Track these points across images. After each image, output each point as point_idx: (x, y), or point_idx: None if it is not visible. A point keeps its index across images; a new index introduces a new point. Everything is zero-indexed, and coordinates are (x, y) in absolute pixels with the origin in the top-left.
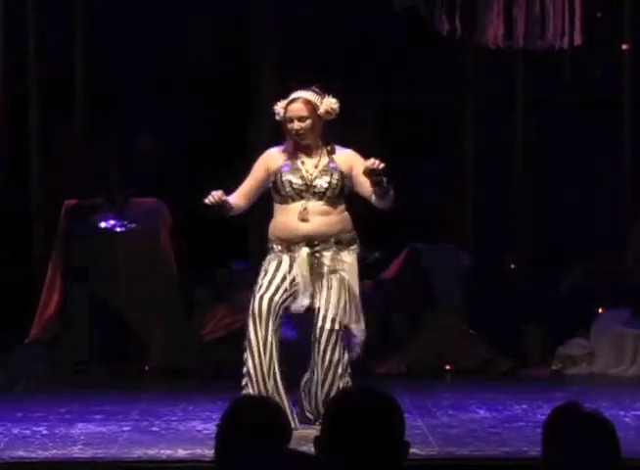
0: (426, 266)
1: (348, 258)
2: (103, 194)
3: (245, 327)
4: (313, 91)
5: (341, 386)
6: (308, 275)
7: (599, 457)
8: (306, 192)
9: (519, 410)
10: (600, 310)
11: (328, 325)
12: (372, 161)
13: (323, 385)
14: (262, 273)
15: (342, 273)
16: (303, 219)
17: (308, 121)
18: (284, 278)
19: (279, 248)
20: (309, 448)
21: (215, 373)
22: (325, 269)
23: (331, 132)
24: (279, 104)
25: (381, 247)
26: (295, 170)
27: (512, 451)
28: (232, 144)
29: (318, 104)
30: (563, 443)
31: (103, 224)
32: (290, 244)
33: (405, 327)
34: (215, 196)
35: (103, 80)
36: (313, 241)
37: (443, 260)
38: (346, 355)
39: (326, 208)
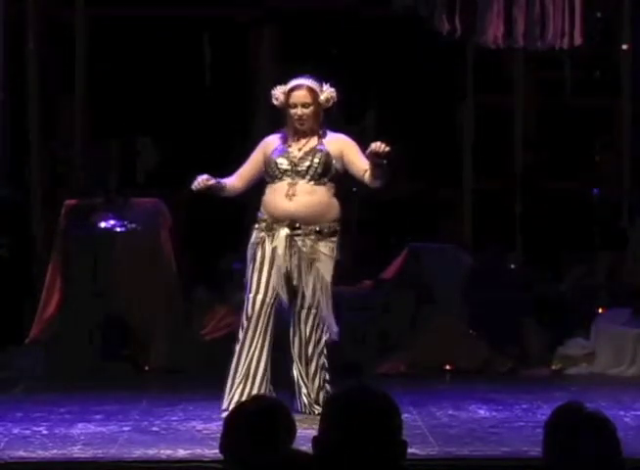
0: (426, 266)
1: (325, 249)
2: (103, 194)
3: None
4: (312, 79)
5: (320, 363)
6: (283, 255)
7: (599, 457)
8: (291, 171)
9: (519, 410)
10: (600, 310)
11: (307, 303)
12: (378, 144)
13: (310, 362)
14: (250, 267)
15: (318, 264)
16: (289, 197)
17: (311, 108)
18: (269, 274)
19: (262, 225)
20: (309, 448)
21: (215, 373)
22: (303, 256)
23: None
24: (278, 89)
25: (380, 247)
26: (283, 153)
27: (512, 451)
28: (232, 143)
29: (319, 92)
30: (563, 442)
31: (103, 224)
32: (273, 222)
33: (405, 327)
34: (201, 182)
35: (103, 80)
36: (295, 222)
37: (443, 260)
38: (324, 336)
39: (311, 187)
